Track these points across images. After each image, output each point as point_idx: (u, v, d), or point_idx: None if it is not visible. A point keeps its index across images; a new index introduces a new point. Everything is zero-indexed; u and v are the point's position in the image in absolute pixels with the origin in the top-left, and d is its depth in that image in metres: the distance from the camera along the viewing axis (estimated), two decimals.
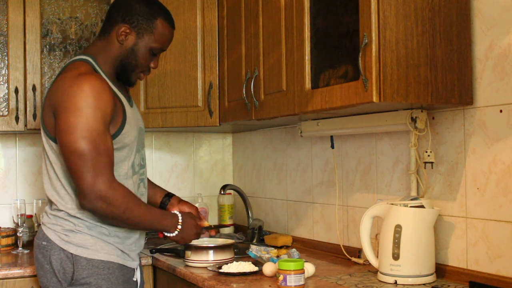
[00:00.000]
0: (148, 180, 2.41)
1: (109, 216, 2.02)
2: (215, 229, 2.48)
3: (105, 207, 1.97)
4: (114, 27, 2.15)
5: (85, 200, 1.97)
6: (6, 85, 2.97)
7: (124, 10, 2.15)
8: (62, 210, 2.09)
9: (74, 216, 2.08)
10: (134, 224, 2.09)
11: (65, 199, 2.09)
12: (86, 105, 1.96)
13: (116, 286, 2.09)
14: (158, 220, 2.16)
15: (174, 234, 2.20)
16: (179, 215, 2.21)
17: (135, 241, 2.20)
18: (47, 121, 2.08)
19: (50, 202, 2.15)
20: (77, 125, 1.95)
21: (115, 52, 2.16)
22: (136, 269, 2.22)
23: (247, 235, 3.16)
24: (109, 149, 2.01)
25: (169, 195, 2.46)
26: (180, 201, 2.43)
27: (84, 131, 1.95)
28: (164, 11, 2.21)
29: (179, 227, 2.19)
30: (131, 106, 2.23)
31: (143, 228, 2.18)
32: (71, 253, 2.05)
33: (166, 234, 2.20)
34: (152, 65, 2.22)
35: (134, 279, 2.19)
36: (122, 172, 2.12)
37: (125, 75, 2.20)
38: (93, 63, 2.14)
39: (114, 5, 2.21)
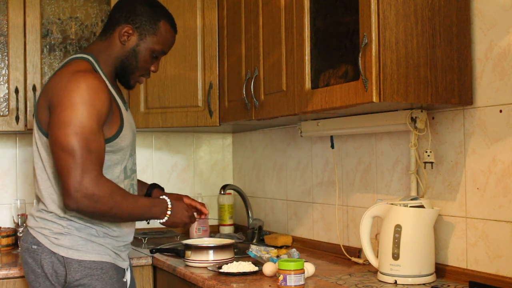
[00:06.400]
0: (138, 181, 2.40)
1: (97, 214, 1.98)
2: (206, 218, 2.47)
3: (92, 205, 1.93)
4: (117, 28, 2.15)
5: (70, 200, 1.91)
6: (6, 85, 2.97)
7: (128, 11, 2.15)
8: (51, 212, 2.06)
9: (63, 217, 2.05)
10: (123, 218, 2.06)
11: (54, 199, 2.06)
12: (81, 101, 1.94)
13: (111, 285, 2.07)
14: (147, 210, 2.12)
15: (164, 220, 2.16)
16: (168, 199, 2.18)
17: (125, 244, 2.19)
18: (42, 117, 2.05)
19: (38, 203, 2.13)
20: (70, 121, 1.92)
21: (117, 52, 2.15)
22: (127, 269, 2.22)
23: (247, 235, 3.16)
24: (100, 148, 1.97)
25: (153, 186, 2.43)
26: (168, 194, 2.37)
27: (77, 127, 1.92)
28: (168, 15, 2.22)
29: (169, 212, 2.16)
30: (126, 110, 2.22)
31: (133, 220, 2.15)
32: (62, 256, 2.02)
33: (158, 221, 2.17)
34: (152, 68, 2.22)
35: (124, 280, 2.18)
36: (114, 175, 2.10)
37: (124, 76, 2.19)
38: (94, 62, 2.13)
39: (117, 6, 2.21)
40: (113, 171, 2.10)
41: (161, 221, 2.17)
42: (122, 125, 2.10)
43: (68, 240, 2.04)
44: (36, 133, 2.10)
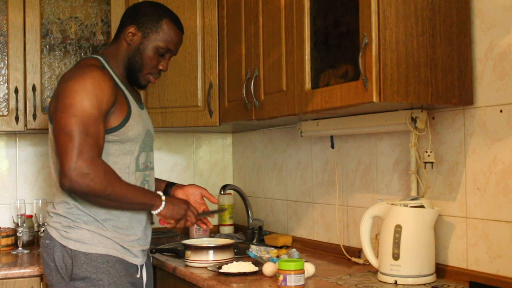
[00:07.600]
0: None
1: (91, 194, 1.99)
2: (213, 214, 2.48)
3: (86, 184, 1.96)
4: (123, 30, 2.26)
5: (65, 178, 1.96)
6: (6, 85, 2.97)
7: (132, 14, 2.27)
8: (63, 202, 2.12)
9: (74, 206, 2.10)
10: (118, 199, 2.05)
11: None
12: (83, 89, 2.03)
13: (118, 279, 2.10)
14: (142, 193, 2.12)
15: (162, 206, 2.13)
16: (161, 192, 2.19)
17: (137, 239, 2.20)
18: (52, 109, 2.13)
19: (54, 199, 2.19)
20: (70, 105, 2.01)
21: (124, 52, 2.25)
22: (142, 266, 2.23)
23: (247, 235, 3.16)
24: (99, 134, 2.03)
25: (172, 183, 2.47)
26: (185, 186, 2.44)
27: (76, 110, 2.00)
28: (171, 14, 2.31)
29: (163, 198, 2.15)
30: (141, 108, 2.29)
31: (129, 204, 2.10)
32: (71, 249, 2.08)
33: (155, 212, 2.14)
34: (160, 66, 2.28)
35: (138, 276, 2.19)
36: (124, 165, 2.15)
37: (133, 75, 2.26)
38: (103, 62, 2.22)
39: (125, 12, 2.34)
40: (123, 161, 2.15)
41: (160, 208, 2.14)
42: (129, 116, 2.16)
43: (76, 233, 2.10)
44: (49, 127, 2.18)
